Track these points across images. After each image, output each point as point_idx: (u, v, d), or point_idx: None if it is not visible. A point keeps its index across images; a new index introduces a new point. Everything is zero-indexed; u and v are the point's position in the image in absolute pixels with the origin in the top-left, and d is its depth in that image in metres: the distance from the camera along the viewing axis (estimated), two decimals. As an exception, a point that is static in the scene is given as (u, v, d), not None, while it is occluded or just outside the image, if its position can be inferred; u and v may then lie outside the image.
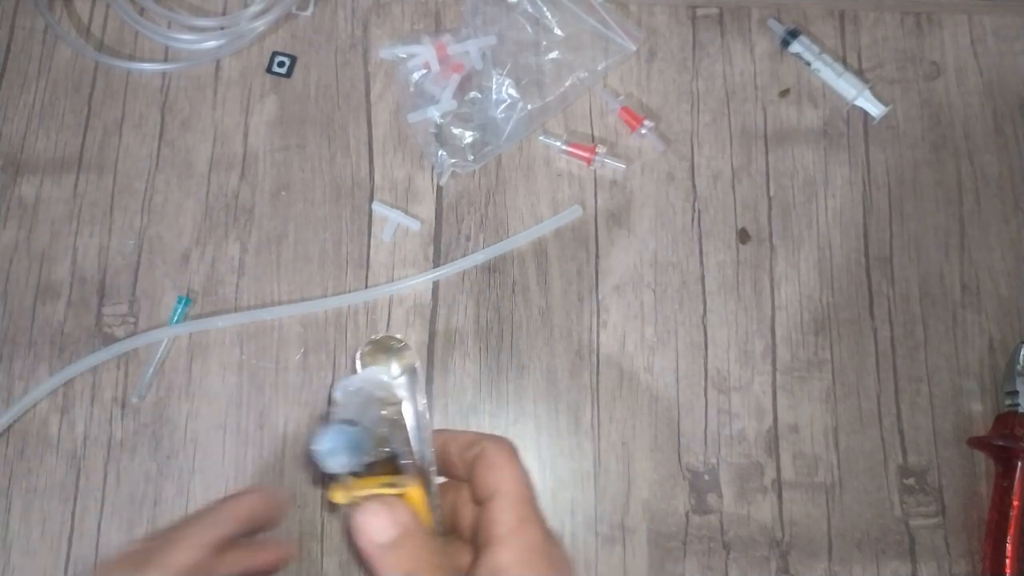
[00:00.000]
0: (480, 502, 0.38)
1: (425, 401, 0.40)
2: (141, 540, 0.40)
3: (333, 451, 0.34)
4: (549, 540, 0.36)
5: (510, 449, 0.39)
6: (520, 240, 0.56)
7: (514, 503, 0.37)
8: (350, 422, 0.35)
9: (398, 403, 0.39)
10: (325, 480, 0.38)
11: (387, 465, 0.36)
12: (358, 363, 0.40)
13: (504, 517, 0.36)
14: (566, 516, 0.53)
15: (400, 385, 0.39)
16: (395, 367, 0.40)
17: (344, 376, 0.39)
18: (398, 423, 0.37)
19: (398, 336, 0.41)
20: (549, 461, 0.54)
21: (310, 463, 0.34)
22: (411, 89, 0.59)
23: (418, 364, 0.41)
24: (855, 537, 0.53)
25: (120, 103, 0.60)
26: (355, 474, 0.36)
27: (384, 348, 0.40)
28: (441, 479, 0.39)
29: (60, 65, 0.60)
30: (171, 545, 0.38)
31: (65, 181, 0.58)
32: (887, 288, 0.57)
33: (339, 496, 0.35)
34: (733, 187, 0.58)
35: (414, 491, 0.36)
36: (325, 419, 0.35)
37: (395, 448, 0.36)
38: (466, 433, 0.40)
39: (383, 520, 0.34)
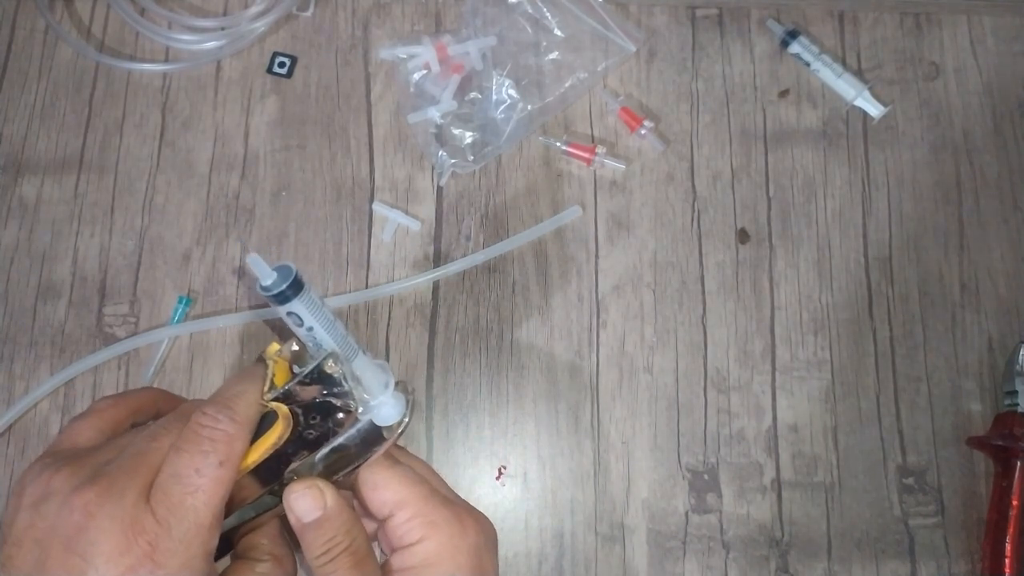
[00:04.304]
0: (381, 521, 0.38)
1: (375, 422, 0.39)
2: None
3: (279, 271, 0.35)
4: (465, 526, 0.37)
5: (384, 460, 0.38)
6: (520, 240, 0.57)
7: (417, 511, 0.37)
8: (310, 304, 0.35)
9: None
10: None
11: (315, 389, 0.37)
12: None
13: (413, 525, 0.37)
14: (566, 516, 0.53)
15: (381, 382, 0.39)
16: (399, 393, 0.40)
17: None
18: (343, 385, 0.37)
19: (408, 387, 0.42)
20: (549, 461, 0.54)
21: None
22: (411, 89, 0.59)
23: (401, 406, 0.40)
24: (854, 537, 0.53)
25: (121, 103, 0.60)
26: (296, 368, 0.39)
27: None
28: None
29: (61, 65, 0.60)
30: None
31: (66, 181, 0.58)
32: (886, 288, 0.57)
33: (271, 349, 0.39)
34: (732, 187, 0.58)
35: (284, 420, 0.37)
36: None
37: (334, 392, 0.37)
38: None
39: (308, 502, 0.36)
